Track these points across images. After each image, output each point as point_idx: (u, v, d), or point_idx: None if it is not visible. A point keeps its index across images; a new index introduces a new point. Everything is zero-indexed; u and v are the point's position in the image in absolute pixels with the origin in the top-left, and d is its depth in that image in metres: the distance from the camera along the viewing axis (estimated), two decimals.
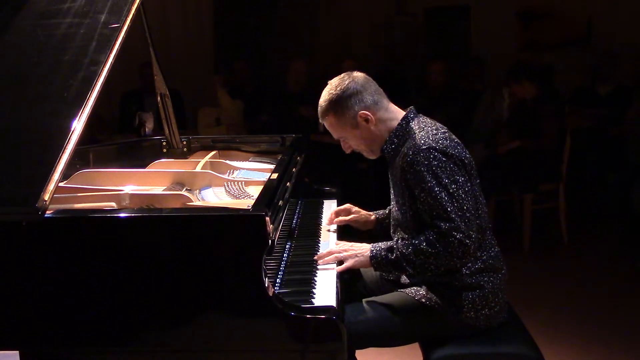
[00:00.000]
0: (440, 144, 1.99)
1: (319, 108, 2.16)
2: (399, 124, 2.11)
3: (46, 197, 1.69)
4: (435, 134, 2.02)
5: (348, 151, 2.25)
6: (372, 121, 2.10)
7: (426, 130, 2.04)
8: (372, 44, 7.99)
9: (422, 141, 1.99)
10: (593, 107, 5.85)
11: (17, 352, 1.70)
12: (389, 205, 2.48)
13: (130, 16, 2.07)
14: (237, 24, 7.94)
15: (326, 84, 2.17)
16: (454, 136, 2.09)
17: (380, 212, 2.48)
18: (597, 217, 5.57)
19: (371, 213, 2.50)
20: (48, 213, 1.69)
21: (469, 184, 1.99)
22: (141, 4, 2.18)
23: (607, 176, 5.93)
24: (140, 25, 2.60)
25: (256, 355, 1.72)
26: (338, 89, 2.11)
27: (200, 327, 1.70)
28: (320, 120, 2.19)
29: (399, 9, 8.09)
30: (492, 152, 5.09)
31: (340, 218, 2.47)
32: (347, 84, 2.11)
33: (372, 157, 2.22)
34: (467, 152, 2.08)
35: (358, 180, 5.56)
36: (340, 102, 2.10)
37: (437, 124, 2.12)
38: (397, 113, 2.16)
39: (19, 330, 1.72)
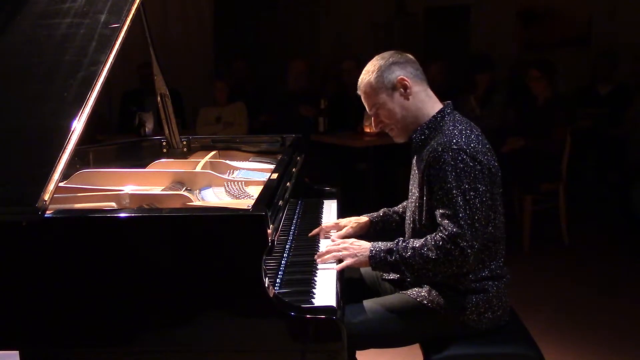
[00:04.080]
0: (472, 147, 1.97)
1: (361, 76, 2.16)
2: (433, 116, 2.10)
3: (46, 197, 1.68)
4: (469, 136, 2.00)
5: (378, 127, 2.20)
6: (410, 91, 2.10)
7: (460, 129, 2.02)
8: (372, 44, 7.99)
9: (455, 140, 1.97)
10: (593, 107, 5.85)
11: (17, 352, 1.70)
12: (388, 206, 2.48)
13: (130, 16, 2.06)
14: (237, 24, 7.94)
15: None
16: (486, 140, 2.06)
17: (374, 214, 2.45)
18: (597, 217, 5.57)
19: (363, 217, 2.45)
20: (48, 213, 1.69)
21: (488, 194, 1.97)
22: (141, 4, 2.18)
23: (607, 176, 5.93)
24: (140, 25, 2.60)
25: (256, 355, 1.72)
26: (384, 57, 2.14)
27: (200, 327, 1.70)
28: (357, 91, 2.19)
29: (399, 9, 8.10)
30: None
31: (338, 233, 2.38)
32: (394, 55, 2.15)
33: (400, 138, 2.19)
34: (496, 159, 2.05)
35: (358, 180, 5.56)
36: (382, 68, 2.11)
37: (472, 124, 2.11)
38: (435, 102, 2.16)
39: (19, 330, 1.72)
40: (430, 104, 2.14)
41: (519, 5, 7.40)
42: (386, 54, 2.15)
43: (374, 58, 2.17)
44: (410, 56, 2.18)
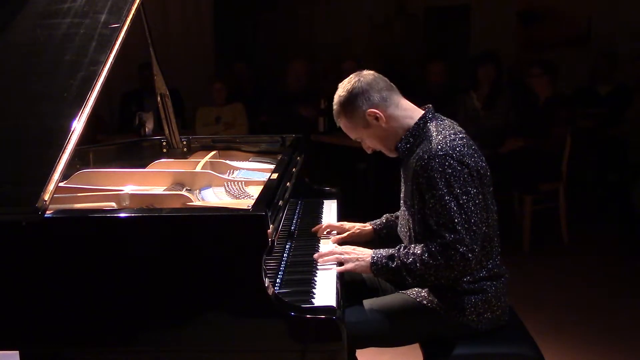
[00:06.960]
0: (458, 151, 1.96)
1: (333, 111, 2.16)
2: (416, 124, 2.09)
3: (46, 197, 1.69)
4: (454, 140, 1.99)
5: (369, 151, 2.23)
6: (383, 119, 2.08)
7: (444, 134, 2.01)
8: (372, 44, 7.99)
9: (439, 146, 1.96)
10: (593, 107, 5.85)
11: (17, 352, 1.70)
12: (388, 206, 2.48)
13: (130, 16, 2.07)
14: (237, 24, 7.94)
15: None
16: (471, 142, 2.06)
17: (377, 221, 2.46)
18: (597, 217, 5.57)
19: (367, 224, 2.46)
20: (48, 213, 1.69)
21: (480, 196, 1.97)
22: (141, 4, 2.18)
23: (607, 176, 5.92)
24: (140, 25, 2.60)
25: (256, 355, 1.72)
26: (345, 90, 2.11)
27: (200, 327, 1.70)
28: (336, 124, 2.19)
29: (399, 9, 8.10)
30: (492, 152, 5.09)
31: (338, 236, 2.41)
32: (353, 84, 2.10)
33: (392, 155, 2.19)
34: (483, 159, 2.05)
35: (358, 180, 5.56)
36: (348, 103, 2.09)
37: (456, 127, 2.09)
38: (413, 111, 2.13)
39: (19, 330, 1.72)
40: (408, 115, 2.11)
41: (519, 5, 7.40)
42: (347, 85, 2.10)
43: (339, 87, 2.13)
44: (370, 74, 2.13)
